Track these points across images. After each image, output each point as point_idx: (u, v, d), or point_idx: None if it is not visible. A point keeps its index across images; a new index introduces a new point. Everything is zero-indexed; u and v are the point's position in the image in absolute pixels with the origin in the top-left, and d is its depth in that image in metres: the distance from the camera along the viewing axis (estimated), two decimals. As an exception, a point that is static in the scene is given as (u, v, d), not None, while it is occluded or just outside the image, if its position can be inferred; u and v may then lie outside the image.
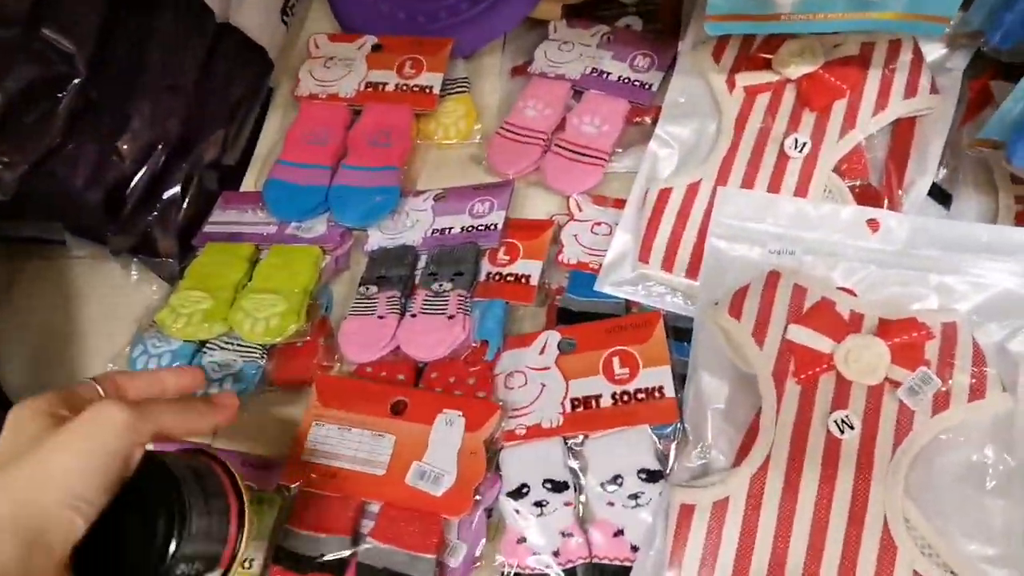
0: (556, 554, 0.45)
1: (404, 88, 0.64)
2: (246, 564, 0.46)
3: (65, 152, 0.50)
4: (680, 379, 0.49)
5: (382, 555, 0.44)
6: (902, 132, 0.53)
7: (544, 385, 0.50)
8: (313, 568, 0.45)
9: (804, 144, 0.52)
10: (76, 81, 0.48)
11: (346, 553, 0.45)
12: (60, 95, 0.49)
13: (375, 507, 0.47)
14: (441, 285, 0.54)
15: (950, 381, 0.43)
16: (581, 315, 0.53)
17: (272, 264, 0.58)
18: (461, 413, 0.48)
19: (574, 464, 0.47)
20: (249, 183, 0.66)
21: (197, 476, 0.39)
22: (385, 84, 0.64)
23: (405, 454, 0.47)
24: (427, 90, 0.63)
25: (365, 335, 0.54)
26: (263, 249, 0.60)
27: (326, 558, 0.45)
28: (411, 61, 0.65)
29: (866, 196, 0.52)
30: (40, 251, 0.61)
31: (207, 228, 0.62)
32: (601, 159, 0.59)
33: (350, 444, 0.48)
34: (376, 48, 0.67)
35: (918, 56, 0.53)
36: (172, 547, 0.35)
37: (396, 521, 0.45)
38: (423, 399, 0.50)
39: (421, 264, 0.58)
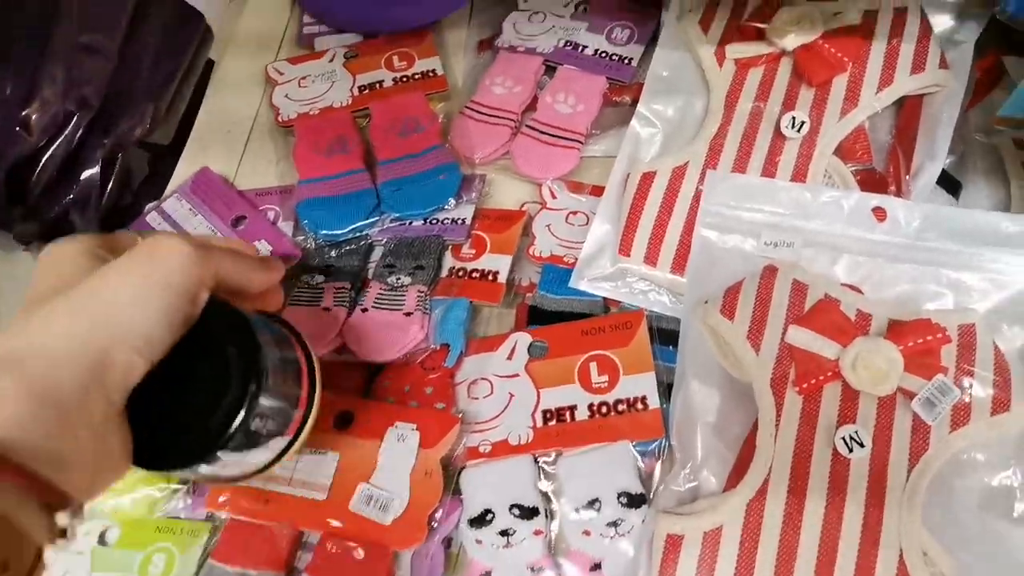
0: (524, 590, 0.39)
1: (405, 79, 0.60)
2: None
3: (-45, 124, 0.43)
4: (666, 388, 0.43)
5: (320, 596, 0.38)
6: (909, 111, 0.48)
7: (512, 395, 0.44)
8: (240, 611, 0.39)
9: (802, 123, 0.47)
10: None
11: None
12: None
13: (314, 538, 0.41)
14: (399, 279, 0.48)
15: (970, 392, 0.38)
16: (555, 315, 0.47)
17: None
18: (415, 427, 0.42)
19: (545, 486, 0.42)
20: (184, 167, 0.59)
21: (267, 327, 0.34)
22: (381, 81, 0.60)
23: (350, 475, 0.41)
24: (430, 73, 0.60)
25: (309, 327, 0.47)
26: None
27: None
28: (397, 55, 0.61)
29: (870, 182, 0.47)
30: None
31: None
32: (576, 141, 0.53)
33: (286, 464, 0.42)
34: (350, 56, 0.62)
35: (926, 26, 0.48)
36: (250, 395, 0.31)
37: (337, 554, 0.39)
38: (372, 410, 0.43)
39: (376, 256, 0.51)
